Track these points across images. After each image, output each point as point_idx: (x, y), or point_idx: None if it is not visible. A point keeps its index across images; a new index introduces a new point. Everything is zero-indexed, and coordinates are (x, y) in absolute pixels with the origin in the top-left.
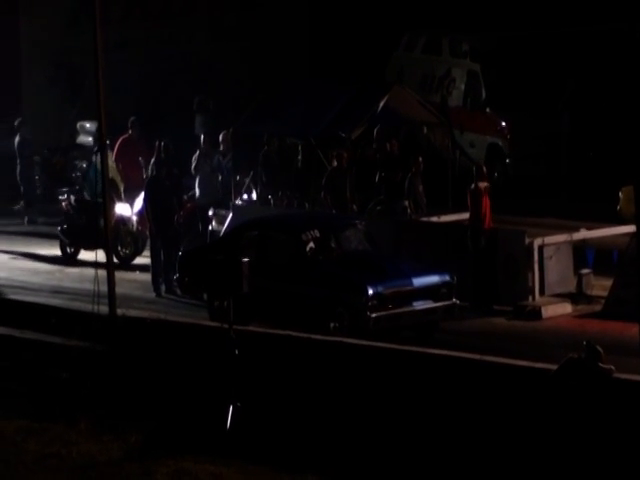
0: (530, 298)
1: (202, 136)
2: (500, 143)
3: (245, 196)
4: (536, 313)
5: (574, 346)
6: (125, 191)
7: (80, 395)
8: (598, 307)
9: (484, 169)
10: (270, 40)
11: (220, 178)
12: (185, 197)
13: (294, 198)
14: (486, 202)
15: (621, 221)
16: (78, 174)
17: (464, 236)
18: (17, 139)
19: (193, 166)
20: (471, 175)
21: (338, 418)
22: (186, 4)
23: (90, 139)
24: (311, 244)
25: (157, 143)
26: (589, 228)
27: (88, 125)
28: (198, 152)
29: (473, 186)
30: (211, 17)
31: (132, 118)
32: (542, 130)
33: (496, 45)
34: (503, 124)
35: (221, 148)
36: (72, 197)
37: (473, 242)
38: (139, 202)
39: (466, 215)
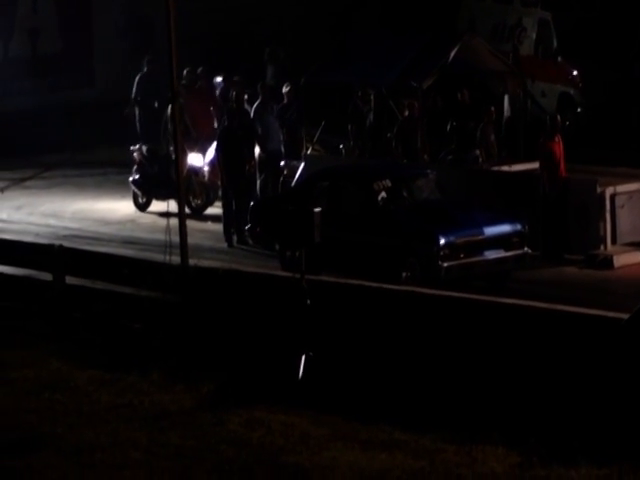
0: (602, 247)
1: (259, 86)
2: (572, 92)
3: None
4: (608, 262)
5: None
6: (197, 141)
7: (152, 346)
8: None
9: (558, 118)
10: None
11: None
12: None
13: (366, 148)
14: (560, 151)
15: None
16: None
17: (536, 185)
18: (139, 76)
19: (252, 115)
20: (544, 125)
21: (410, 368)
22: None
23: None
24: (383, 194)
25: (230, 93)
26: None
27: (219, 80)
28: (258, 102)
29: (548, 135)
30: None
31: (200, 68)
32: (614, 78)
33: None
34: (575, 73)
35: (285, 100)
36: (144, 147)
37: (547, 190)
38: (211, 152)
39: (537, 164)
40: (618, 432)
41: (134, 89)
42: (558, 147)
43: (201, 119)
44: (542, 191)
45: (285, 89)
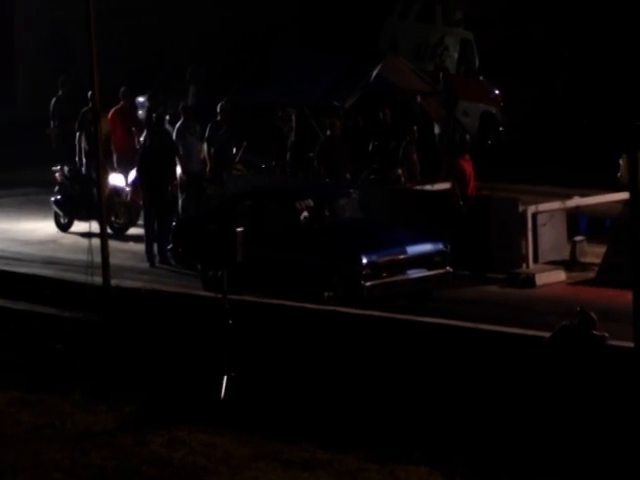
0: (524, 266)
1: (180, 106)
2: (493, 111)
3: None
4: (530, 281)
5: (568, 313)
6: (118, 162)
7: (74, 366)
8: (592, 274)
9: (468, 138)
10: (263, 8)
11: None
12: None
13: (288, 167)
14: (470, 169)
15: (620, 187)
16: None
17: (450, 203)
18: (55, 99)
19: (174, 136)
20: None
21: (332, 387)
22: None
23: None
24: (305, 213)
25: (150, 113)
26: (582, 195)
27: (141, 99)
28: (180, 122)
29: (459, 155)
30: None
31: (123, 88)
32: (535, 97)
33: (489, 12)
34: (496, 92)
35: (218, 118)
36: (66, 168)
37: (459, 208)
38: (133, 172)
39: None
40: (540, 449)
41: (51, 112)
42: (468, 165)
43: (122, 139)
44: (455, 208)
45: (219, 106)
